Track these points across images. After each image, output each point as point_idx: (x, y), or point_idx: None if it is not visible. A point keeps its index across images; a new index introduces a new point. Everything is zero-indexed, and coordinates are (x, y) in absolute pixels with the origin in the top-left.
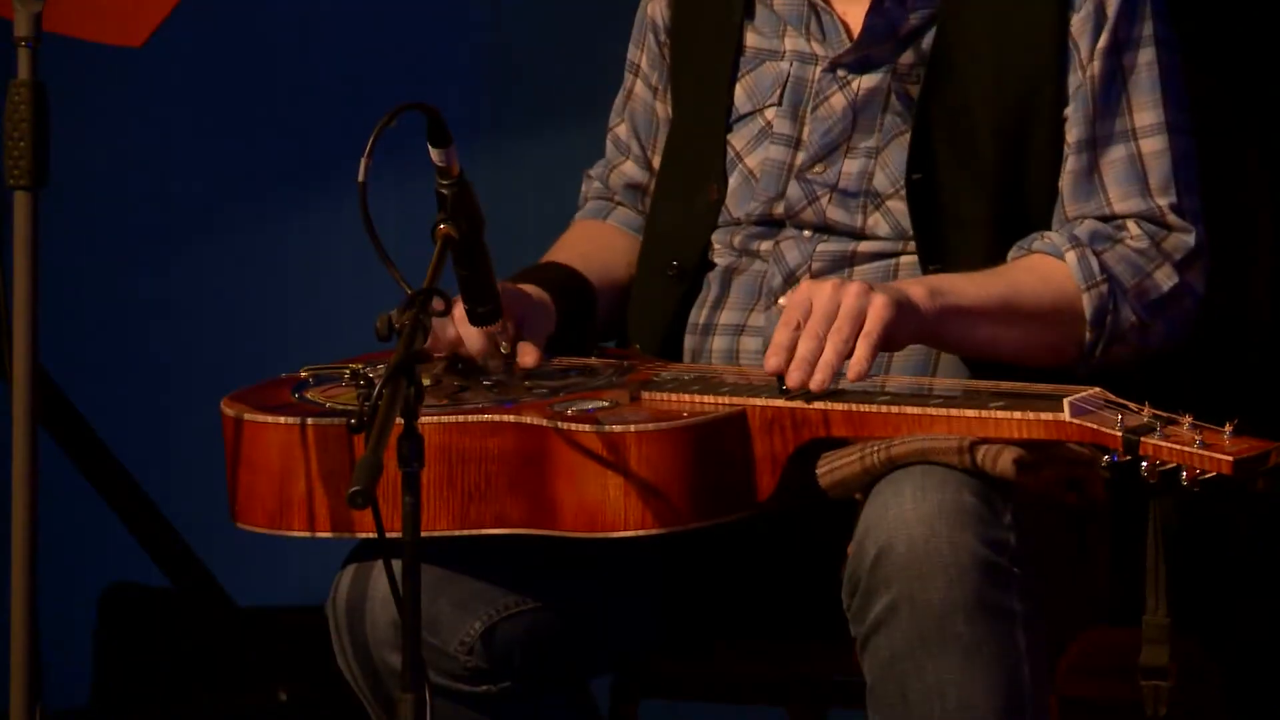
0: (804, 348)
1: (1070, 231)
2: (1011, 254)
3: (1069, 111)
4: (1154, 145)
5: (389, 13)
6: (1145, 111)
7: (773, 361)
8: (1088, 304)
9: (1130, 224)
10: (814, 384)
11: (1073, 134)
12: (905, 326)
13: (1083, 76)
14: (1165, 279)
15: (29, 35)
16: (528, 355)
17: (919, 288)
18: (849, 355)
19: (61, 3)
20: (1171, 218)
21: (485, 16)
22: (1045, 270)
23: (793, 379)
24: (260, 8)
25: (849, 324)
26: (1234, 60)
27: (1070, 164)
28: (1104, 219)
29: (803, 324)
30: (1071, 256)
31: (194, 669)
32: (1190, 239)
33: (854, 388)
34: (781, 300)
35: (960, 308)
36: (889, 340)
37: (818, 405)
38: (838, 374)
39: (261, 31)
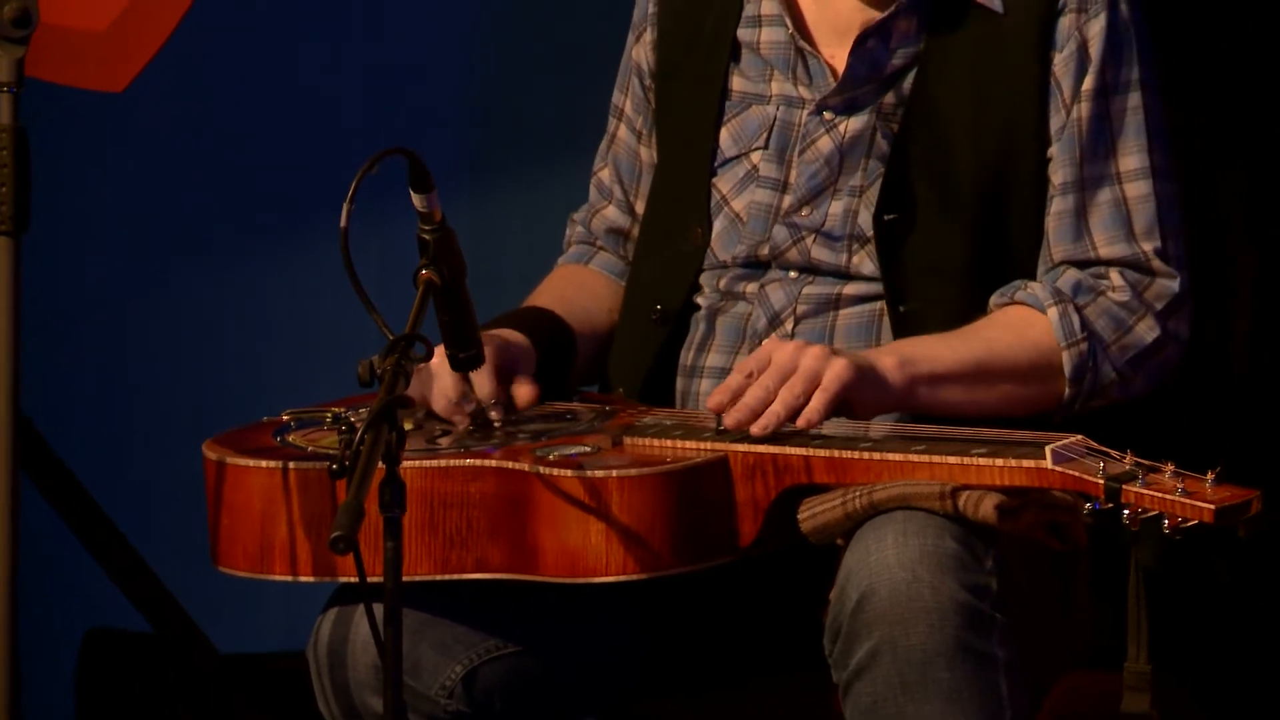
0: (751, 395)
1: (1053, 285)
2: (994, 301)
3: (1054, 152)
4: (1139, 190)
5: (372, 57)
6: (1130, 156)
7: (715, 399)
8: (1067, 361)
9: (1114, 273)
10: (756, 429)
11: (1059, 175)
12: (868, 394)
13: (1067, 118)
14: (1147, 331)
15: (11, 81)
16: (524, 393)
17: (889, 358)
18: (798, 410)
19: (43, 49)
20: (1156, 263)
21: (467, 61)
22: (1023, 325)
23: (730, 419)
24: (241, 53)
25: (802, 382)
26: (1213, 101)
27: (1056, 205)
28: (1088, 263)
29: (756, 375)
30: (1054, 313)
31: (175, 715)
32: (1175, 285)
33: (790, 431)
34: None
35: (932, 374)
36: (851, 404)
37: (800, 451)
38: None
39: (243, 76)
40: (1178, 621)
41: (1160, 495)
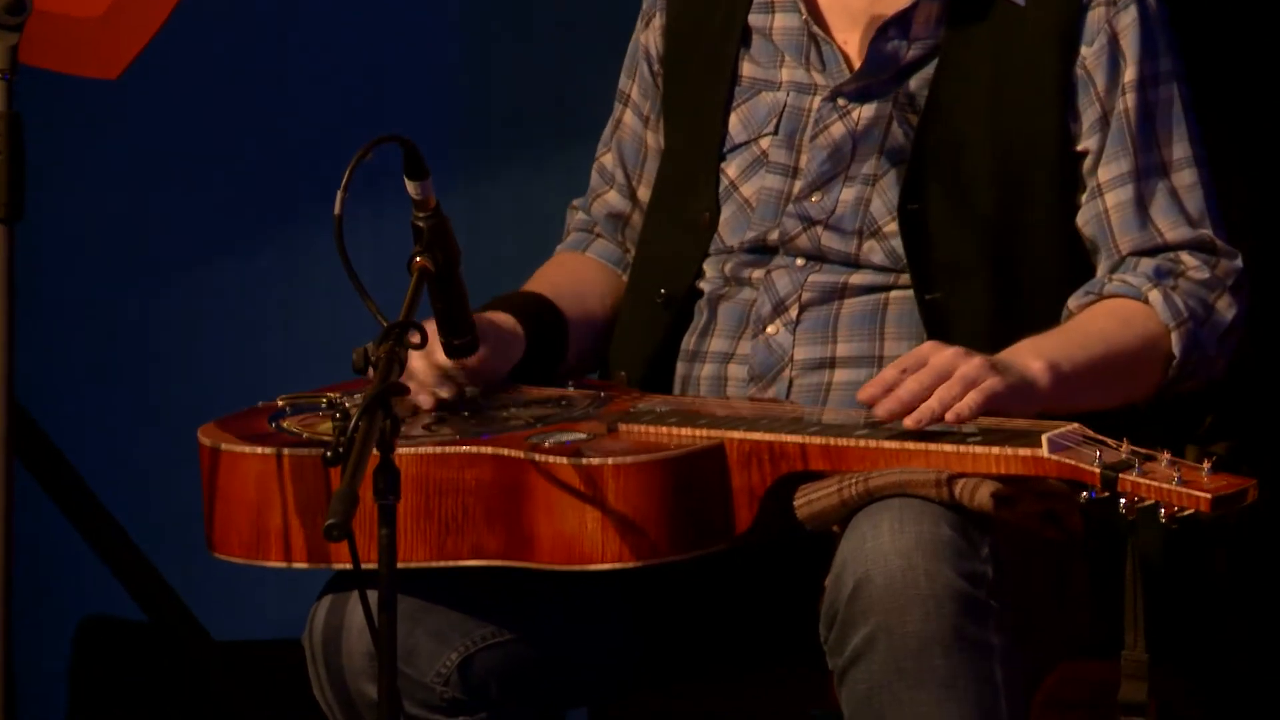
0: (906, 389)
1: (1139, 271)
2: (1076, 301)
3: (1092, 144)
4: (1188, 179)
5: (366, 45)
6: (1176, 145)
7: (868, 392)
8: (1176, 342)
9: (1184, 255)
10: (910, 421)
11: (1113, 168)
12: (1018, 403)
13: (1104, 109)
14: (1226, 309)
15: (5, 68)
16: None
17: (1036, 363)
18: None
19: (38, 36)
20: (1220, 244)
21: (462, 49)
22: (1128, 315)
23: (884, 409)
24: (236, 41)
25: (960, 385)
26: (1215, 103)
27: (1116, 197)
28: (1158, 249)
29: (912, 371)
30: (1155, 296)
31: (169, 702)
32: (1238, 261)
33: (941, 430)
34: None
35: (1075, 375)
36: (996, 412)
37: (796, 438)
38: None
39: (238, 63)
40: (1175, 611)
41: (1156, 484)
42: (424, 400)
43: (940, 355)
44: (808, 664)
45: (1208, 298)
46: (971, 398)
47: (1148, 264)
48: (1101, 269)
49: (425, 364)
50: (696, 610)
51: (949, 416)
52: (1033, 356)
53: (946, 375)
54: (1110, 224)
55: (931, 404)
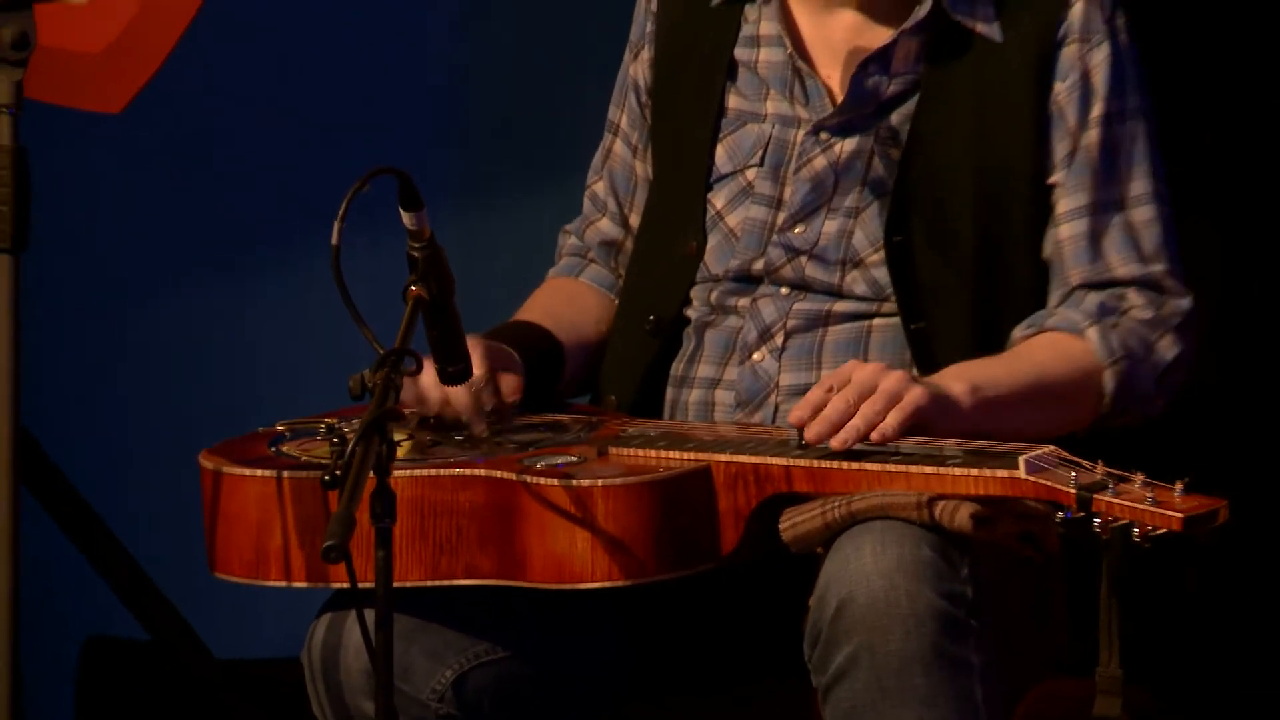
0: (833, 408)
1: (1081, 308)
2: (1020, 332)
3: (1060, 178)
4: (1146, 214)
5: (364, 78)
6: (1136, 181)
7: (797, 414)
8: (1110, 379)
9: (1132, 292)
10: (836, 442)
11: (1069, 201)
12: (941, 419)
13: (1074, 144)
14: (1169, 348)
15: (11, 102)
16: (509, 385)
17: (959, 384)
18: (874, 426)
19: (42, 71)
20: (1169, 282)
21: (457, 81)
22: (1064, 348)
23: (812, 432)
24: (233, 74)
25: (884, 400)
26: (1191, 132)
27: (1068, 230)
28: (1106, 284)
29: (836, 390)
30: (1093, 333)
31: (172, 718)
32: (1185, 302)
33: (868, 448)
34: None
35: (999, 399)
36: (926, 428)
37: (780, 461)
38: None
39: (237, 98)
40: (1149, 630)
41: (1130, 504)
42: (480, 428)
43: (863, 372)
44: (793, 681)
45: (1149, 337)
46: (894, 416)
47: (1093, 300)
48: (1052, 299)
49: (460, 391)
50: (686, 628)
51: (874, 436)
52: (956, 378)
53: (870, 391)
54: (1064, 255)
55: (856, 423)
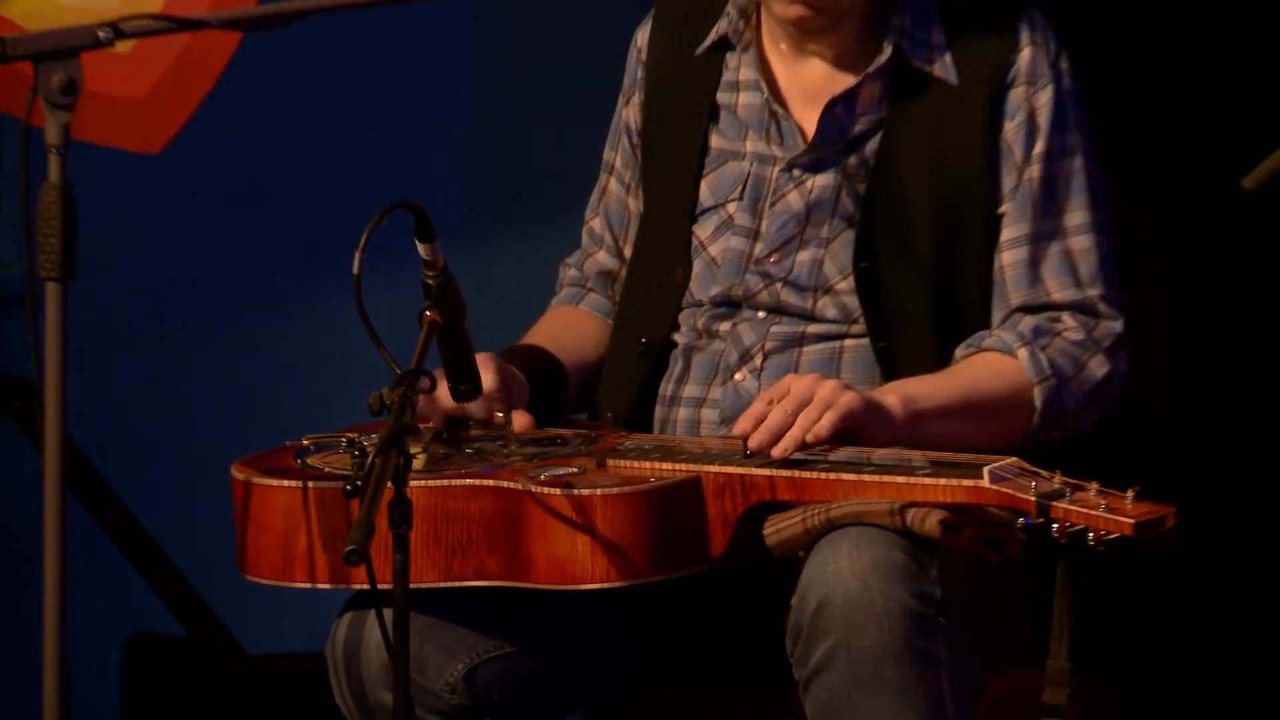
0: (773, 419)
1: (1016, 330)
2: (961, 351)
3: (1007, 208)
4: (1084, 243)
5: (385, 121)
6: (1076, 213)
7: (742, 426)
8: (1039, 396)
9: (1066, 316)
10: (776, 451)
11: (1012, 230)
12: (875, 426)
13: (1019, 178)
14: (1098, 367)
15: (59, 143)
16: (520, 420)
17: (892, 396)
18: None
19: (87, 114)
20: (1102, 306)
21: (470, 126)
22: (997, 366)
23: (755, 442)
24: (262, 117)
25: (819, 409)
26: (1135, 165)
27: (1011, 256)
28: (1043, 307)
29: (777, 402)
30: (1024, 353)
31: (210, 710)
32: (1118, 325)
33: (802, 456)
34: (738, 375)
35: (929, 410)
36: (860, 435)
37: (764, 471)
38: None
39: (269, 141)
40: (1099, 628)
41: (1086, 511)
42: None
43: (800, 383)
44: (776, 674)
45: (1080, 357)
46: (828, 417)
47: (1028, 322)
48: (994, 320)
49: (477, 408)
50: (679, 626)
51: (809, 438)
52: (890, 391)
53: (807, 401)
54: (1005, 279)
55: (794, 432)
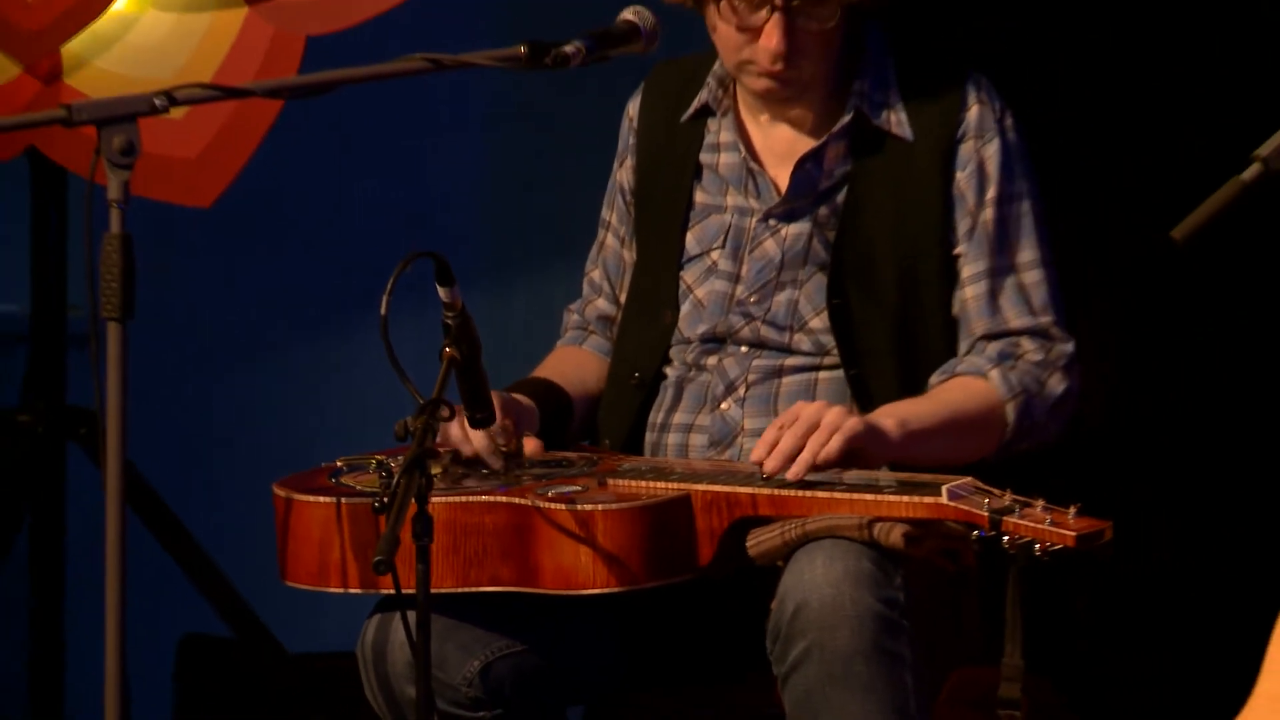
0: (786, 443)
1: (984, 355)
2: (936, 378)
3: (964, 249)
4: (1034, 277)
5: (412, 178)
6: (1026, 250)
7: (757, 453)
8: (1011, 411)
9: (1024, 340)
10: (791, 474)
11: (972, 267)
12: (874, 447)
13: (974, 221)
14: (1058, 384)
15: (120, 198)
16: (530, 444)
17: (889, 419)
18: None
19: (145, 173)
20: (1055, 330)
21: (488, 184)
22: (973, 388)
23: (770, 466)
24: (302, 173)
25: (826, 433)
26: (1077, 206)
27: (971, 291)
28: (1003, 334)
29: (787, 427)
30: (995, 374)
31: (254, 704)
32: (1070, 347)
33: (816, 477)
34: (723, 405)
35: (920, 430)
36: (862, 456)
37: (747, 489)
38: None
39: (304, 192)
40: (1045, 630)
41: (1033, 525)
42: (496, 463)
43: (808, 409)
44: (757, 670)
45: (1041, 376)
46: (836, 439)
47: (993, 347)
48: (961, 348)
49: (479, 435)
50: (670, 627)
51: (820, 460)
52: (886, 415)
53: (815, 426)
54: (968, 312)
55: (805, 455)
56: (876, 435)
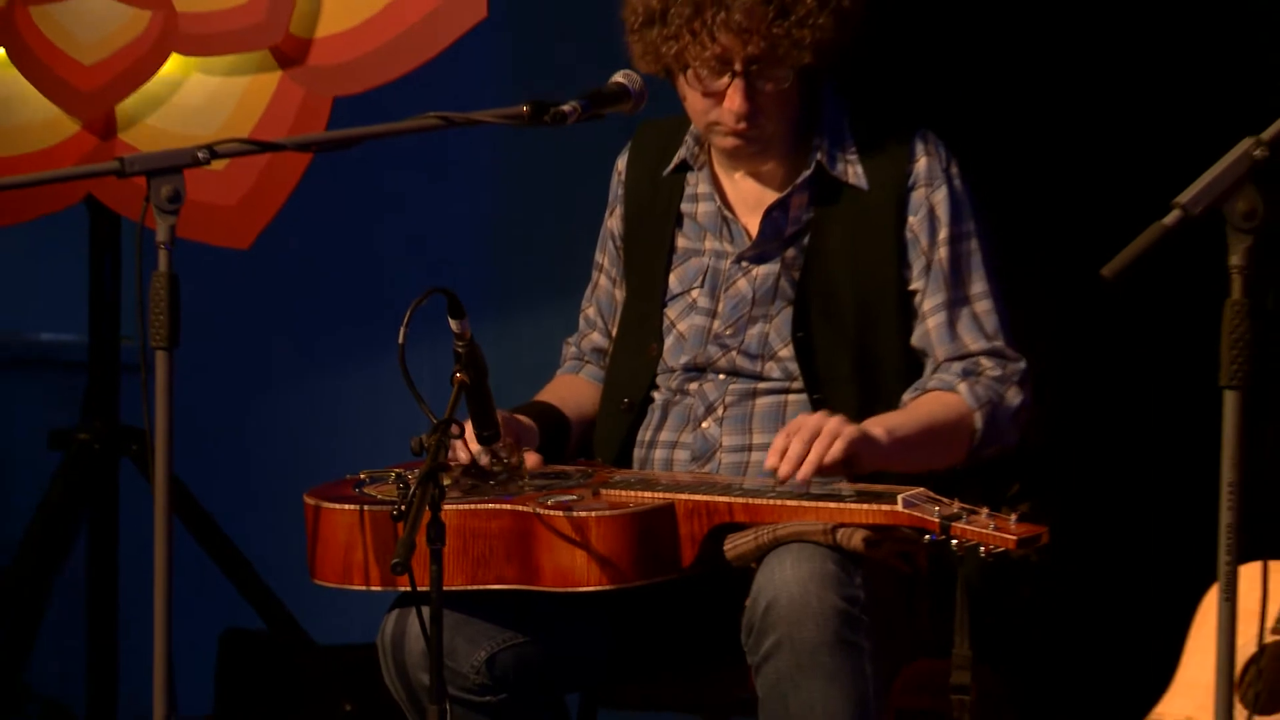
0: (793, 450)
1: (951, 372)
2: (909, 395)
3: (920, 285)
4: (985, 306)
5: (428, 222)
6: (976, 283)
7: (770, 462)
8: (980, 419)
9: (983, 360)
10: (800, 475)
11: (931, 301)
12: (868, 454)
13: (927, 260)
14: (1014, 397)
15: (167, 240)
16: (531, 459)
17: (878, 428)
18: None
19: (190, 218)
20: (1008, 351)
21: (493, 228)
22: (945, 400)
23: (783, 471)
24: (329, 217)
25: (828, 438)
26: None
27: (934, 320)
28: (964, 356)
29: (794, 435)
30: (963, 388)
31: (287, 690)
32: (1023, 364)
33: (819, 490)
34: (704, 425)
35: (905, 438)
36: (857, 461)
37: (724, 499)
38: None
39: (330, 232)
40: (991, 623)
41: (978, 530)
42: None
43: (811, 419)
44: (733, 660)
45: (1000, 389)
46: (837, 445)
47: (957, 366)
48: (927, 371)
49: (479, 450)
50: (657, 621)
51: (826, 462)
52: (876, 425)
53: (819, 432)
54: (931, 339)
55: (812, 458)
56: (870, 442)
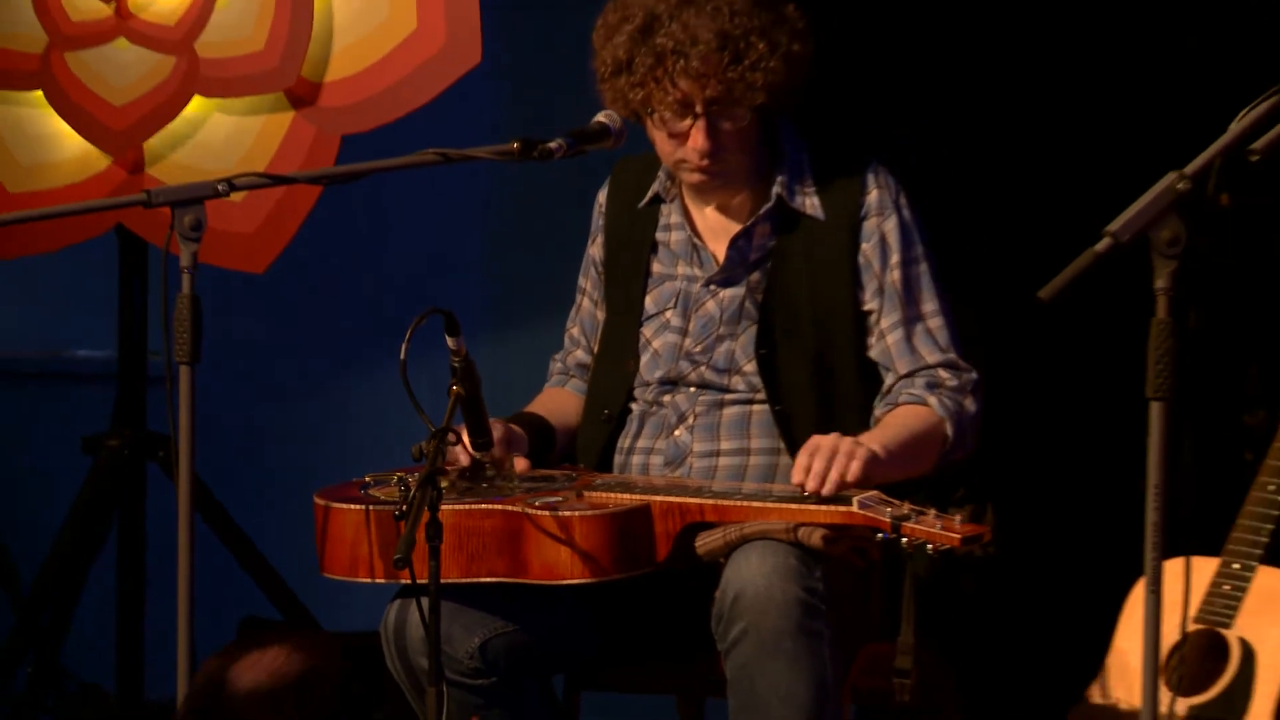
0: (818, 466)
1: (916, 386)
2: (881, 410)
3: (875, 305)
4: (937, 323)
5: (426, 245)
6: (928, 302)
7: (797, 477)
8: (951, 428)
9: (941, 371)
10: (825, 490)
11: (888, 319)
12: (874, 469)
13: (880, 282)
14: (972, 405)
15: (190, 265)
16: (520, 464)
17: (876, 445)
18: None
19: (210, 245)
20: (961, 363)
21: (486, 251)
22: (918, 413)
23: (810, 486)
24: (338, 244)
25: (845, 458)
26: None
27: (893, 337)
28: (923, 369)
29: (815, 455)
30: (933, 400)
31: None
32: (974, 375)
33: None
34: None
35: (895, 452)
36: (865, 473)
37: (694, 500)
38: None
39: (337, 256)
40: (936, 612)
41: (926, 529)
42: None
43: (825, 440)
44: (704, 646)
45: (960, 399)
46: (855, 466)
47: (920, 380)
48: (888, 382)
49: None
50: (634, 611)
51: (849, 478)
52: (872, 440)
53: (835, 451)
54: (891, 354)
55: (834, 475)
56: (874, 459)
